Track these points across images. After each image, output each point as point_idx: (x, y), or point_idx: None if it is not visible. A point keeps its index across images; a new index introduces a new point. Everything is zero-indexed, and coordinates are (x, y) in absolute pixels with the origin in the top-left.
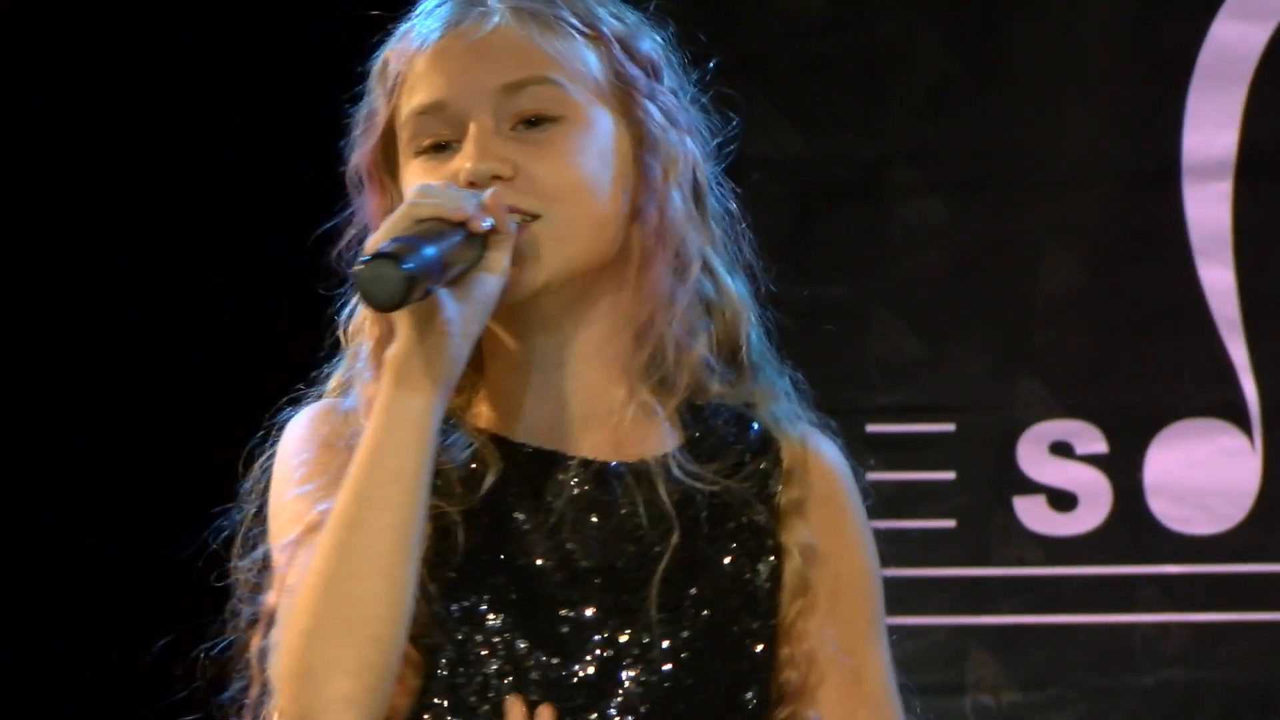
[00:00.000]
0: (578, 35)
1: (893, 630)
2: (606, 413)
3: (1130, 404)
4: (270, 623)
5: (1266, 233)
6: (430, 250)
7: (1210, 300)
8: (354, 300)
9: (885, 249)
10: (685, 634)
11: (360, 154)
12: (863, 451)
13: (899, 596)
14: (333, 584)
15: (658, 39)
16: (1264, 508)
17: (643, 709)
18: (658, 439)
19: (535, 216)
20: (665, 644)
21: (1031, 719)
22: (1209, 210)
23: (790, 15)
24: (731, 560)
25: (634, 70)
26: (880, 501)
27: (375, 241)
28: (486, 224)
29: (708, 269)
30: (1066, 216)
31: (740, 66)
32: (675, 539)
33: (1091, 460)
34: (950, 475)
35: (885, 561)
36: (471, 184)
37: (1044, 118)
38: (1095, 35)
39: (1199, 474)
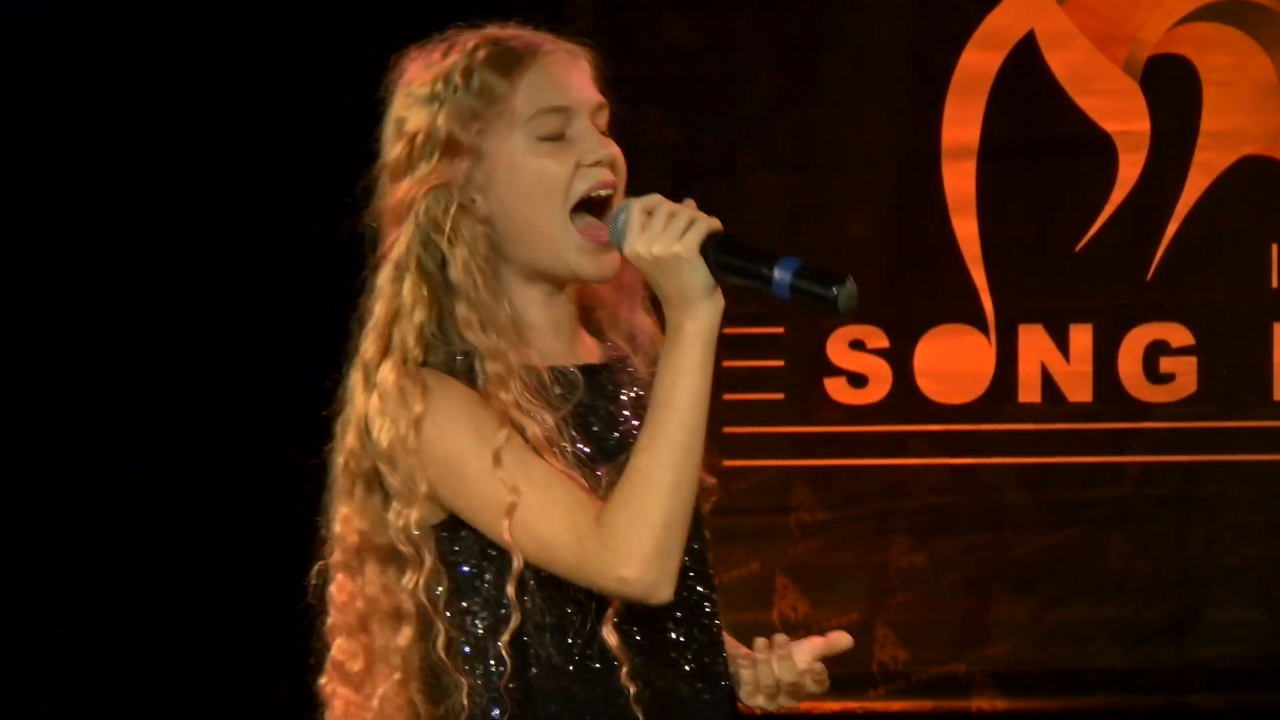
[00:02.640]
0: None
1: (741, 471)
2: (583, 332)
3: (905, 314)
4: (546, 508)
5: (999, 197)
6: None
7: (960, 243)
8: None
9: (737, 208)
10: None
11: (458, 131)
12: (722, 347)
13: (746, 448)
14: (678, 491)
15: None
16: (995, 386)
17: None
18: (626, 349)
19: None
20: None
21: (836, 531)
22: (960, 181)
23: (671, 44)
24: None
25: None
26: (733, 381)
27: (690, 244)
28: None
29: None
30: (863, 185)
31: (635, 81)
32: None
33: (878, 353)
34: (780, 362)
35: (737, 424)
36: (596, 164)
37: (846, 117)
38: (882, 59)
39: (952, 362)
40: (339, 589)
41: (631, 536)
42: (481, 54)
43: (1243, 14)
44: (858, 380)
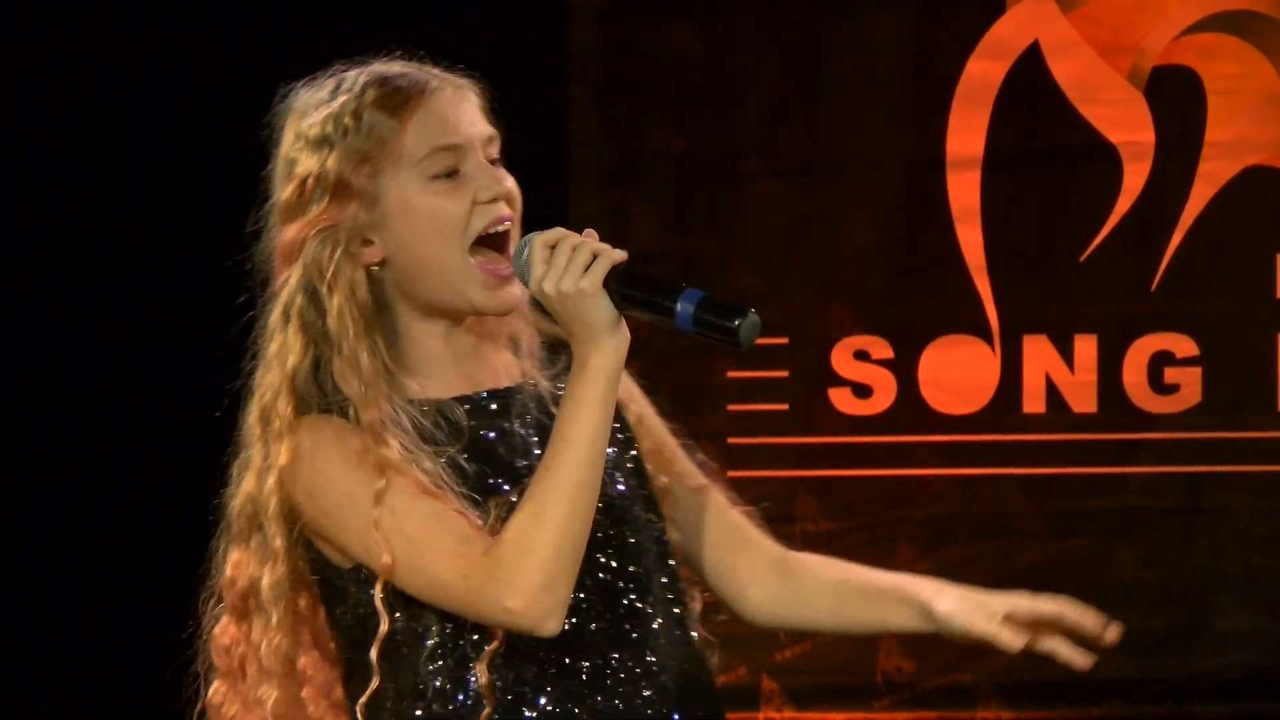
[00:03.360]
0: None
1: (745, 481)
2: (495, 358)
3: (909, 324)
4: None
5: (1003, 207)
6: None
7: (965, 253)
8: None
9: (739, 215)
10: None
11: (350, 173)
12: (727, 358)
13: (751, 458)
14: (570, 523)
15: None
16: (1000, 396)
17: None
18: (530, 372)
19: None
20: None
21: (840, 541)
22: (964, 191)
23: (675, 52)
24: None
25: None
26: (737, 392)
27: (594, 279)
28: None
29: None
30: (866, 194)
31: (641, 89)
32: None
33: (882, 363)
34: (785, 373)
35: (741, 434)
36: (493, 199)
37: (851, 125)
38: (886, 68)
39: (956, 372)
40: (222, 632)
41: (519, 568)
42: (370, 95)
43: (1247, 24)
44: (862, 391)
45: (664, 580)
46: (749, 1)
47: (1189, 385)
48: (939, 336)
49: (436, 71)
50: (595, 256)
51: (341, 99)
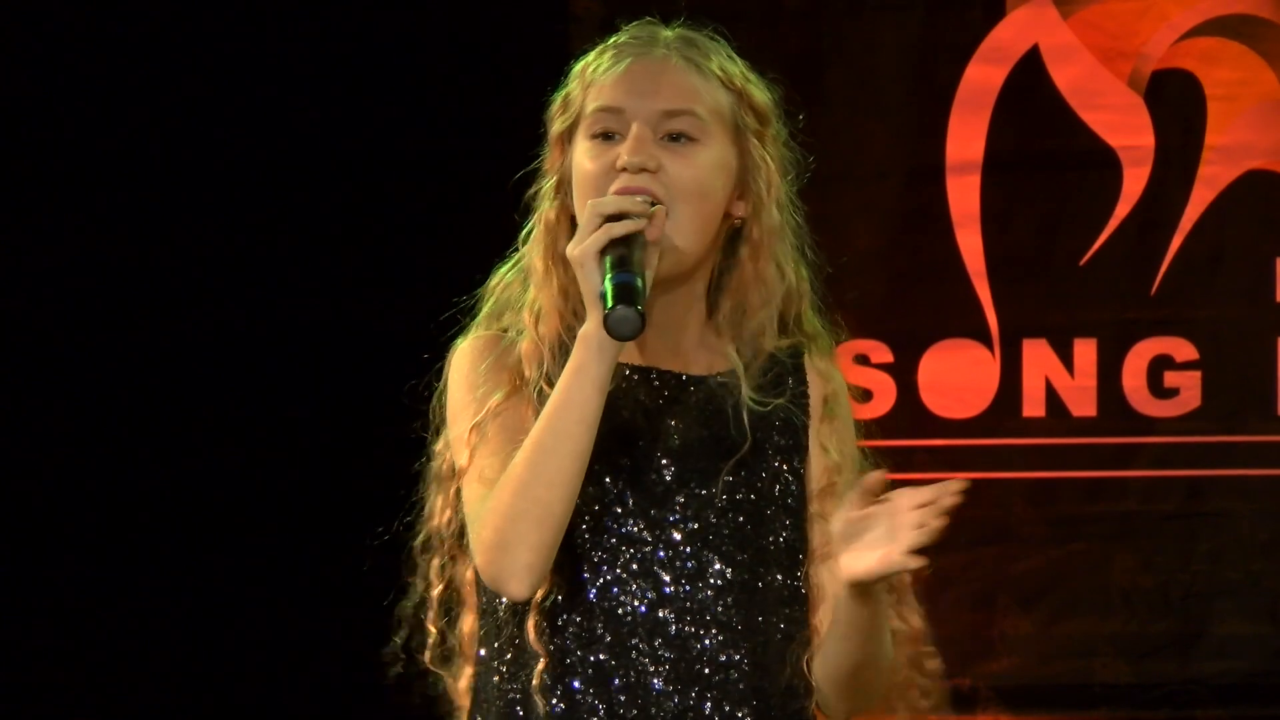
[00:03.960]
0: (719, 82)
1: None
2: (698, 349)
3: (909, 329)
4: (457, 497)
5: (1003, 212)
6: (638, 278)
7: (965, 257)
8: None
9: None
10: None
11: (557, 125)
12: None
13: None
14: (529, 488)
15: (769, 94)
16: (1000, 401)
17: (691, 548)
18: (724, 365)
19: (662, 205)
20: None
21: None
22: (964, 195)
23: None
24: (776, 459)
25: (749, 115)
26: None
27: (588, 249)
28: (654, 234)
29: (778, 264)
30: (867, 200)
31: None
32: (740, 444)
33: (882, 367)
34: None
35: None
36: (623, 169)
37: (852, 131)
38: (886, 74)
39: (956, 376)
40: (465, 567)
41: (482, 524)
42: (591, 54)
43: (1247, 29)
44: (862, 395)
45: (755, 607)
46: (750, 8)
47: (1189, 390)
48: (939, 341)
49: (669, 37)
50: (601, 225)
51: (587, 56)
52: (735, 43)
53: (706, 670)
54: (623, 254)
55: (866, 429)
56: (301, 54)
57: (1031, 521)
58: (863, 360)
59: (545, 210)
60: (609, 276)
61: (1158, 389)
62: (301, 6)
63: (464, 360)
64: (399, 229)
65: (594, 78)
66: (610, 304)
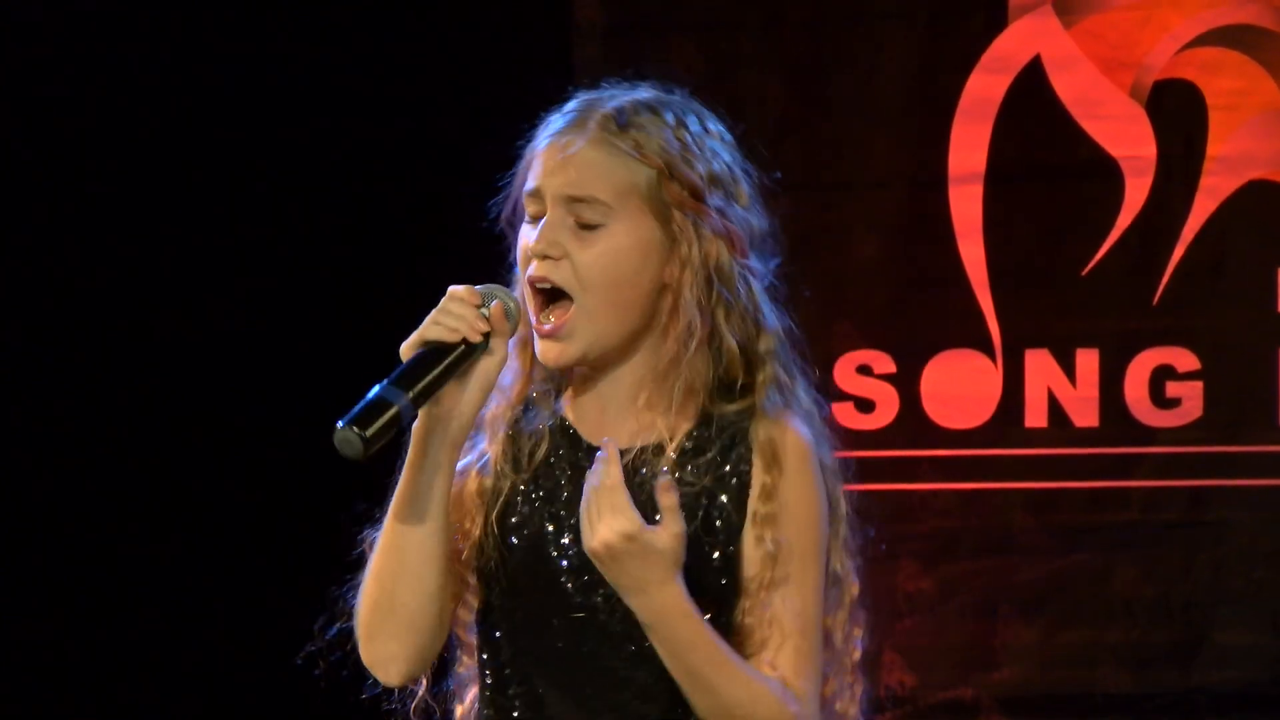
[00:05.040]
0: (633, 160)
1: None
2: (629, 419)
3: (911, 339)
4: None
5: (1005, 222)
6: (404, 394)
7: (967, 267)
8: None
9: None
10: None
11: (505, 207)
12: None
13: None
14: (381, 581)
15: (722, 161)
16: (1002, 411)
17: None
18: (664, 435)
19: (564, 295)
20: None
21: None
22: (966, 205)
23: (678, 68)
24: (701, 539)
25: (674, 189)
26: None
27: (405, 347)
28: (479, 335)
29: (718, 332)
30: (869, 209)
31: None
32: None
33: (884, 378)
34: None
35: None
36: (532, 255)
37: (854, 141)
38: (889, 84)
39: (958, 386)
40: None
41: (358, 614)
42: (542, 124)
43: (1249, 39)
44: (864, 405)
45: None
46: (752, 18)
47: (1190, 399)
48: (941, 351)
49: (597, 113)
50: (431, 321)
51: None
52: (704, 99)
53: None
54: (430, 353)
55: (868, 440)
56: (305, 67)
57: (1033, 531)
58: (865, 370)
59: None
60: (381, 384)
61: (1160, 399)
62: (305, 19)
63: None
64: (400, 240)
65: (530, 154)
66: (343, 420)
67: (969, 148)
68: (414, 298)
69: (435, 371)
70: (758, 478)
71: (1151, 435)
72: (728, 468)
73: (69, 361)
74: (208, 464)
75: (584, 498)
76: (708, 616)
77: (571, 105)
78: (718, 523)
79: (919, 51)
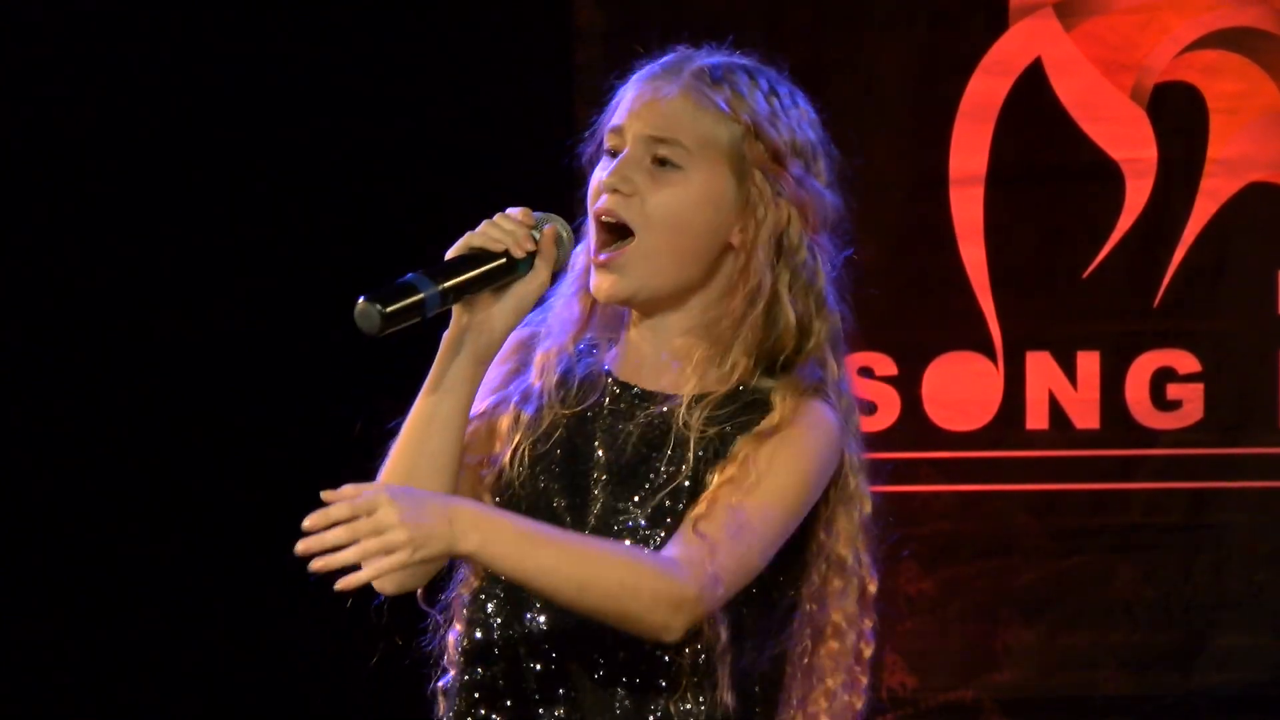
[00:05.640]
0: (720, 114)
1: None
2: (674, 370)
3: (912, 341)
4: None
5: (1006, 224)
6: (431, 281)
7: (968, 270)
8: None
9: None
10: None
11: (588, 145)
12: None
13: None
14: (408, 476)
15: (806, 134)
16: (1003, 413)
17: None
18: (688, 390)
19: (630, 233)
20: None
21: None
22: (967, 208)
23: None
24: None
25: (756, 149)
26: None
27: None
28: (524, 251)
29: (779, 300)
30: (871, 212)
31: None
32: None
33: (886, 380)
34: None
35: None
36: (603, 188)
37: (854, 144)
38: (888, 87)
39: (959, 389)
40: None
41: None
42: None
43: (1249, 41)
44: (865, 407)
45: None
46: (753, 22)
47: (1191, 402)
48: (942, 353)
49: (691, 65)
50: (481, 232)
51: None
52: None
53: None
54: (471, 257)
55: (869, 442)
56: (305, 67)
57: (1034, 533)
58: (866, 373)
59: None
60: (417, 270)
61: (1160, 401)
62: (305, 19)
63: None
64: (400, 240)
65: (618, 96)
66: (368, 294)
67: (970, 150)
68: None
69: (471, 274)
70: (765, 420)
71: (1152, 437)
72: (743, 418)
73: (69, 361)
74: (208, 464)
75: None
76: None
77: (669, 56)
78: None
79: (919, 54)
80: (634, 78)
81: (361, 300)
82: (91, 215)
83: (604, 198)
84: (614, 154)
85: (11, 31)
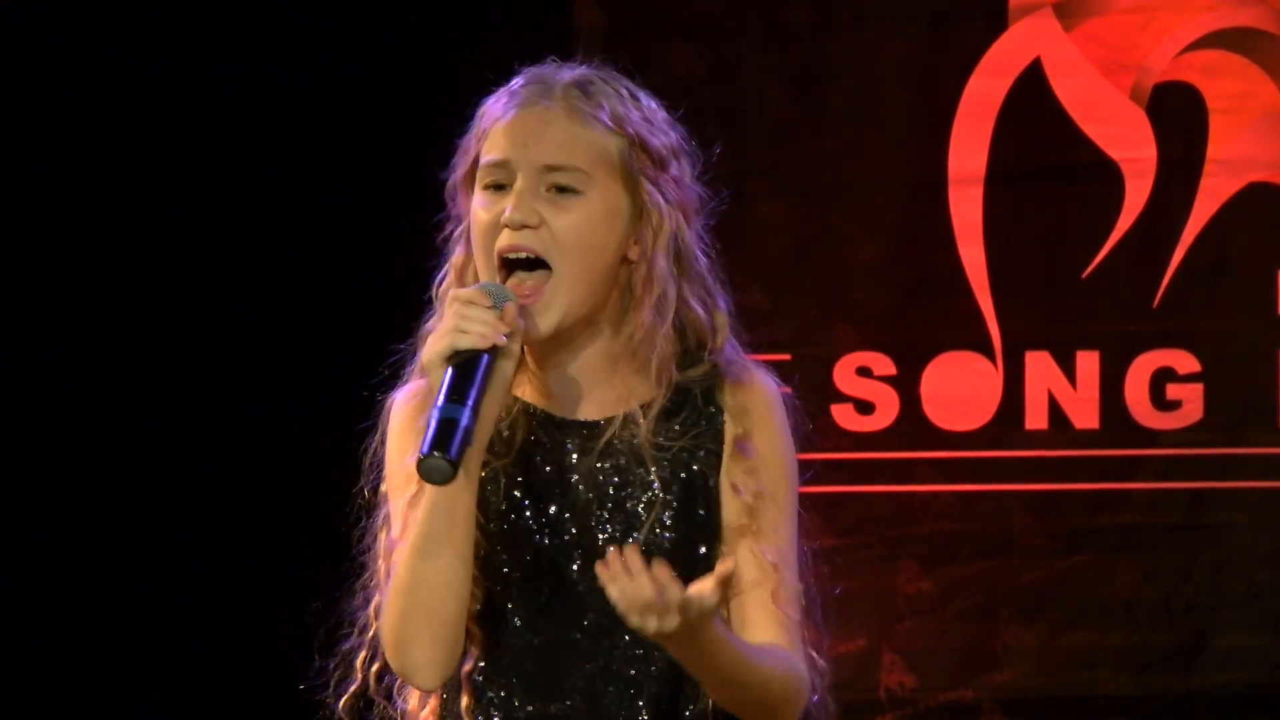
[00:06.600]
0: (607, 130)
1: None
2: (602, 391)
3: (912, 341)
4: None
5: (1005, 224)
6: (466, 410)
7: (967, 270)
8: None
9: (745, 236)
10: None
11: (455, 175)
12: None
13: None
14: (414, 590)
15: (672, 134)
16: (1002, 413)
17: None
18: (629, 405)
19: (542, 265)
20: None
21: (843, 557)
22: (967, 208)
23: (679, 73)
24: (686, 494)
25: (643, 159)
26: None
27: (433, 355)
28: (503, 337)
29: (683, 301)
30: (869, 213)
31: None
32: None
33: (885, 379)
34: (787, 390)
35: None
36: (506, 225)
37: (853, 145)
38: (888, 88)
39: (958, 389)
40: None
41: (383, 620)
42: (489, 101)
43: (1249, 42)
44: (865, 407)
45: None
46: (752, 22)
47: (1191, 402)
48: (941, 353)
49: (561, 85)
50: (456, 329)
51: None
52: (639, 80)
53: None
54: (467, 362)
55: (868, 441)
56: (305, 67)
57: (1034, 534)
58: (865, 373)
59: (455, 256)
60: (439, 403)
61: (1160, 401)
62: (305, 19)
63: (397, 419)
64: (400, 240)
65: (487, 126)
66: (426, 448)
67: (969, 150)
68: (414, 298)
69: (480, 380)
70: (729, 431)
71: (1152, 437)
72: (704, 423)
73: (69, 361)
74: (208, 464)
75: (619, 606)
76: (702, 551)
77: (523, 81)
78: (699, 478)
79: (919, 54)
80: (496, 104)
81: (424, 455)
82: (91, 215)
83: (504, 234)
84: (498, 187)
85: (11, 31)
